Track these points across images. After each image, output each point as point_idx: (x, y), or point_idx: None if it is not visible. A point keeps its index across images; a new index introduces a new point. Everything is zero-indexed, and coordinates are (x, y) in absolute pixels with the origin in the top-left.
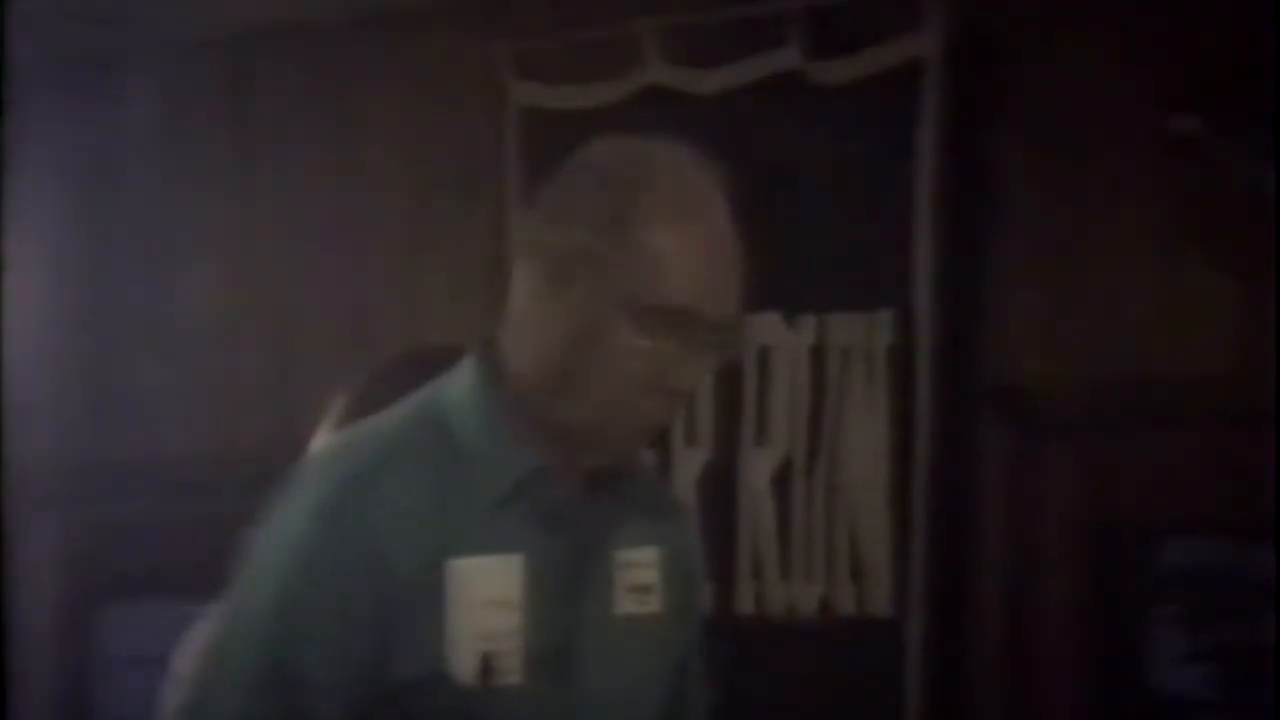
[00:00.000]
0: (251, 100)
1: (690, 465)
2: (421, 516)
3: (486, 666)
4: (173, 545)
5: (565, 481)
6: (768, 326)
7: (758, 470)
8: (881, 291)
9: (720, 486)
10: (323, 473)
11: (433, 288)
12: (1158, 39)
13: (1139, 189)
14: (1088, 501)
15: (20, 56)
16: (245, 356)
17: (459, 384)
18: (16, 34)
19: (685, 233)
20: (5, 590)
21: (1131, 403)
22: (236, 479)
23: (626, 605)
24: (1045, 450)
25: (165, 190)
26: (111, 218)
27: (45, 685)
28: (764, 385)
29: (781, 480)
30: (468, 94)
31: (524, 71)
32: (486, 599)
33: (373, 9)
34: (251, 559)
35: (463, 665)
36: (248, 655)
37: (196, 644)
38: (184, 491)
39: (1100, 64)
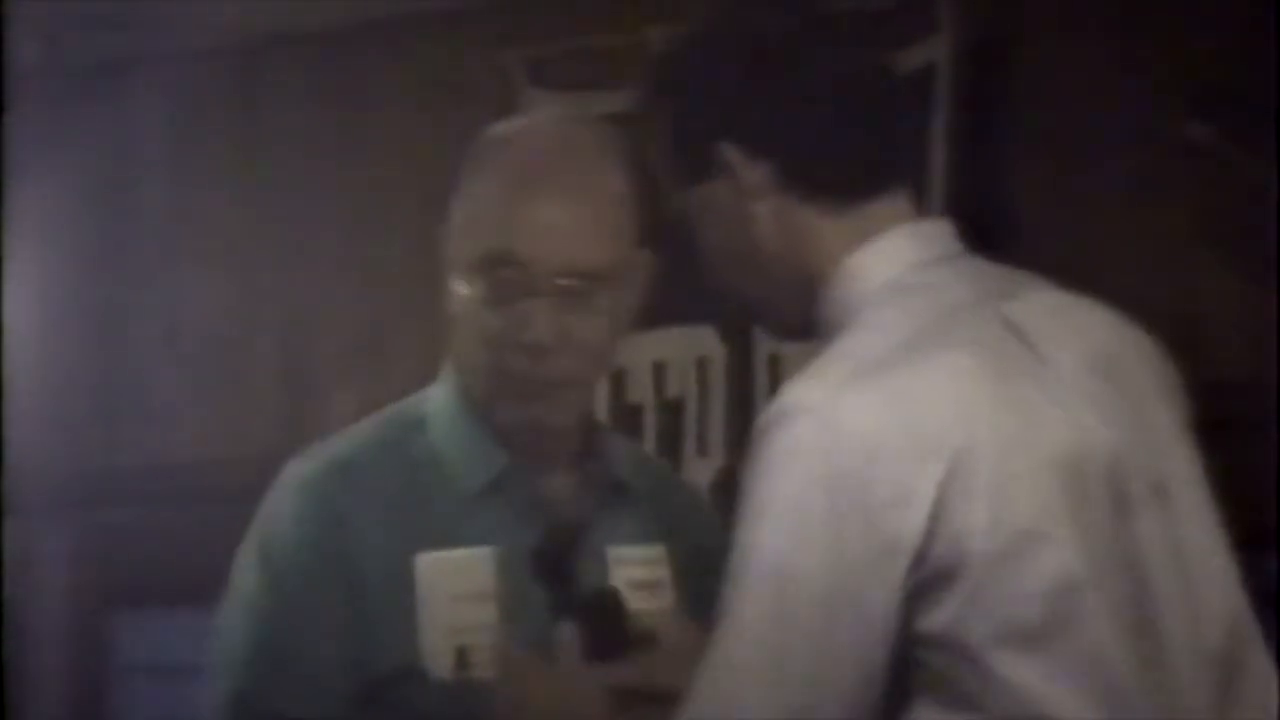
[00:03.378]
0: (261, 107)
1: (702, 474)
2: (393, 515)
3: (462, 660)
4: (185, 552)
5: (549, 478)
6: None
7: None
8: None
9: (732, 495)
10: (302, 471)
11: (444, 296)
12: (1173, 45)
13: (1154, 197)
14: None
15: (29, 62)
16: (257, 364)
17: (438, 390)
18: (25, 39)
19: (513, 185)
20: (4, 592)
21: None
22: (249, 486)
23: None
24: None
25: (175, 196)
26: (122, 223)
27: (58, 692)
28: (775, 393)
29: None
30: (479, 102)
31: (535, 79)
32: (458, 593)
33: (383, 17)
34: (241, 557)
35: (437, 660)
36: (236, 656)
37: None
38: (197, 498)
39: (1114, 70)
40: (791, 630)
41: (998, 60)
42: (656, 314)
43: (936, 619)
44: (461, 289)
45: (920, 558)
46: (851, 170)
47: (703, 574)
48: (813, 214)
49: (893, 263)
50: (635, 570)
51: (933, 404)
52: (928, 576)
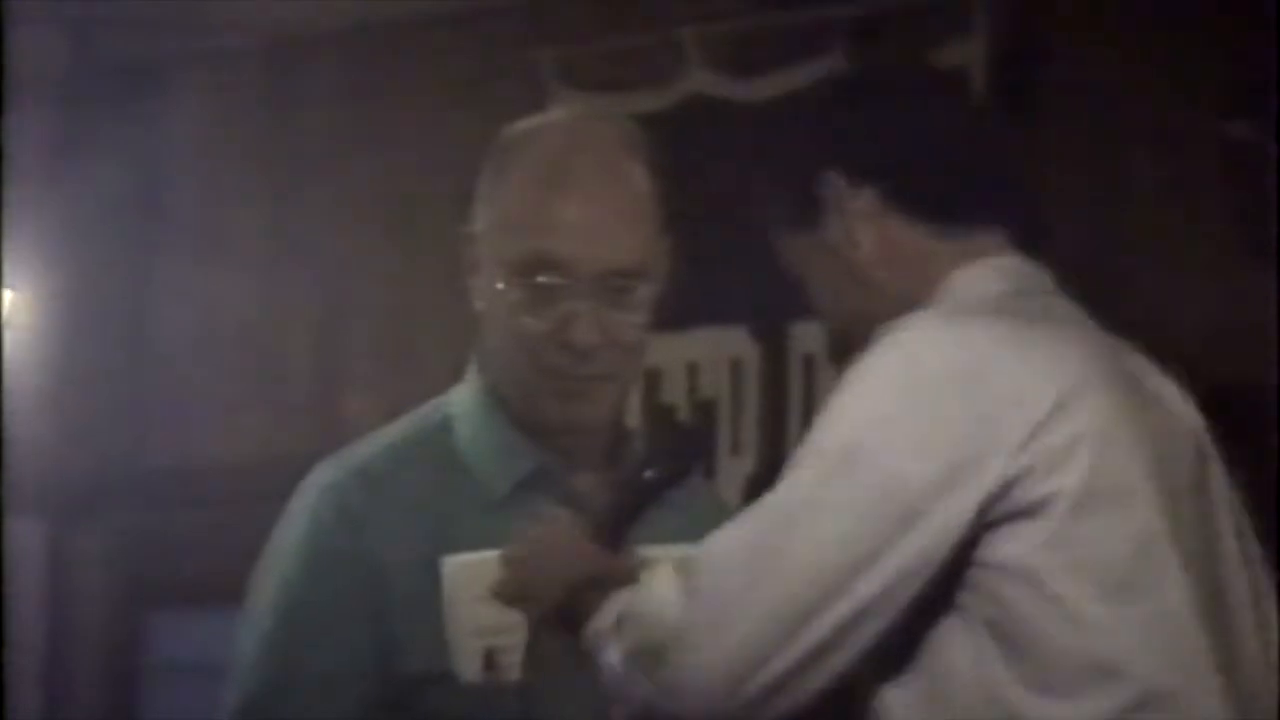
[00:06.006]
0: (291, 107)
1: (735, 475)
2: (419, 517)
3: (490, 663)
4: (217, 552)
5: (578, 479)
6: (812, 335)
7: None
8: None
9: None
10: (322, 476)
11: (471, 296)
12: (1210, 43)
13: (1191, 197)
14: None
15: (62, 62)
16: (290, 365)
17: (463, 391)
18: (58, 39)
19: (545, 185)
20: (4, 592)
21: None
22: (280, 487)
23: None
24: None
25: (205, 197)
26: (153, 225)
27: (92, 693)
28: (809, 394)
29: None
30: (509, 102)
31: (568, 80)
32: (485, 595)
33: (413, 17)
34: (261, 562)
35: (465, 662)
36: (253, 659)
37: None
38: (228, 499)
39: (1151, 69)
40: (846, 496)
41: (1030, 61)
42: (690, 315)
43: (1010, 550)
44: (496, 290)
45: (1009, 484)
46: (953, 193)
47: None
48: (919, 234)
49: (993, 282)
50: None
51: (1051, 344)
52: (1011, 509)
